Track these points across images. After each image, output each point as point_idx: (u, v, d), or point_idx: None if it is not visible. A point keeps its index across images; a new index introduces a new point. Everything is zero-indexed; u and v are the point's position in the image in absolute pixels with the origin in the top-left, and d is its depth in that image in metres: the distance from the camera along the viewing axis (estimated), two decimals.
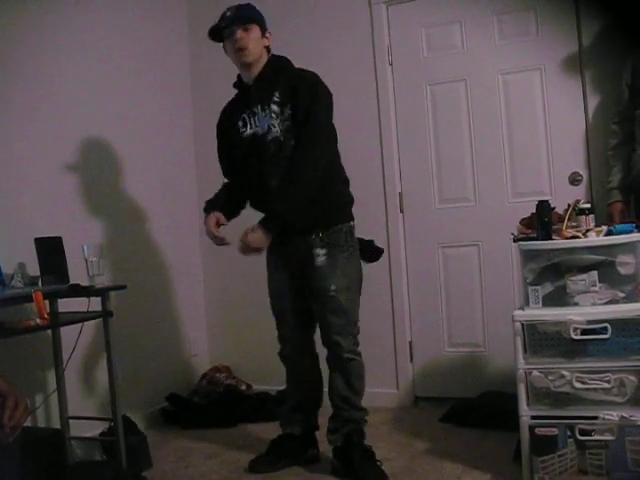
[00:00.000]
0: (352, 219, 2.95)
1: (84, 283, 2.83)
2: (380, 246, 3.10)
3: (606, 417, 2.41)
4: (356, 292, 2.92)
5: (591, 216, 2.63)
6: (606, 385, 2.44)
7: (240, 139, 2.90)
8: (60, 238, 2.85)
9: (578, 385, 2.47)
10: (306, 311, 2.94)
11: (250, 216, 2.88)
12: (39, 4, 3.21)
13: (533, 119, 3.63)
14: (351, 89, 3.92)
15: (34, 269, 2.87)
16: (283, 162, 2.76)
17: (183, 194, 4.19)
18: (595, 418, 2.43)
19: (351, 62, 3.96)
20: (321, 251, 2.83)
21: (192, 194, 4.24)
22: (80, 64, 3.45)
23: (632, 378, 2.42)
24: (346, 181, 2.98)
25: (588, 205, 2.68)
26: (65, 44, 3.38)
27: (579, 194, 3.35)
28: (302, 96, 2.75)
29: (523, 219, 2.81)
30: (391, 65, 3.90)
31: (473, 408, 3.44)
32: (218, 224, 2.90)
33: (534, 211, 2.67)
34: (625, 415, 2.39)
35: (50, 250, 2.83)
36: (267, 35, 2.89)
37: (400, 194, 3.90)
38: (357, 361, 2.90)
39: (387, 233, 3.89)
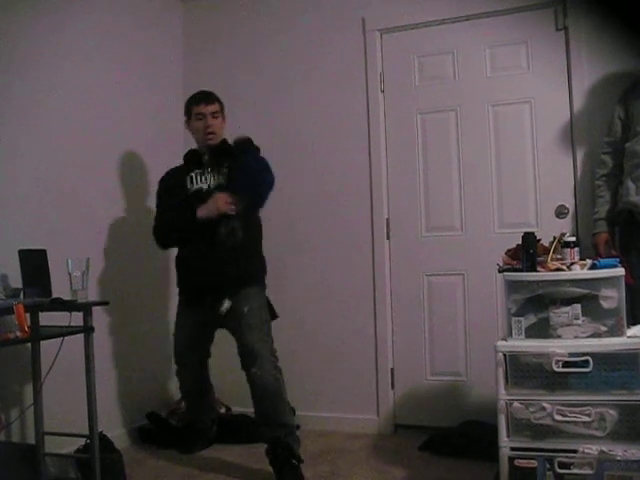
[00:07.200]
0: None
1: (68, 297, 2.81)
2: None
3: (585, 451, 2.41)
4: None
5: (576, 249, 2.65)
6: (586, 419, 2.44)
7: None
8: (44, 251, 2.81)
9: (559, 418, 2.47)
10: None
11: None
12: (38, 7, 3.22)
13: (521, 151, 3.66)
14: (343, 115, 3.97)
15: (16, 281, 2.85)
16: None
17: None
18: (575, 451, 2.42)
19: (343, 88, 3.99)
20: None
21: None
22: (74, 74, 3.46)
23: (612, 412, 2.42)
24: None
25: (573, 238, 2.70)
26: (60, 57, 3.38)
27: (565, 226, 3.39)
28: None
29: (508, 250, 2.82)
30: (383, 92, 3.94)
31: (453, 437, 3.42)
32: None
33: (520, 242, 2.69)
34: (604, 450, 2.38)
35: (34, 263, 2.80)
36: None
37: (387, 220, 3.91)
38: None
39: (373, 259, 3.89)
